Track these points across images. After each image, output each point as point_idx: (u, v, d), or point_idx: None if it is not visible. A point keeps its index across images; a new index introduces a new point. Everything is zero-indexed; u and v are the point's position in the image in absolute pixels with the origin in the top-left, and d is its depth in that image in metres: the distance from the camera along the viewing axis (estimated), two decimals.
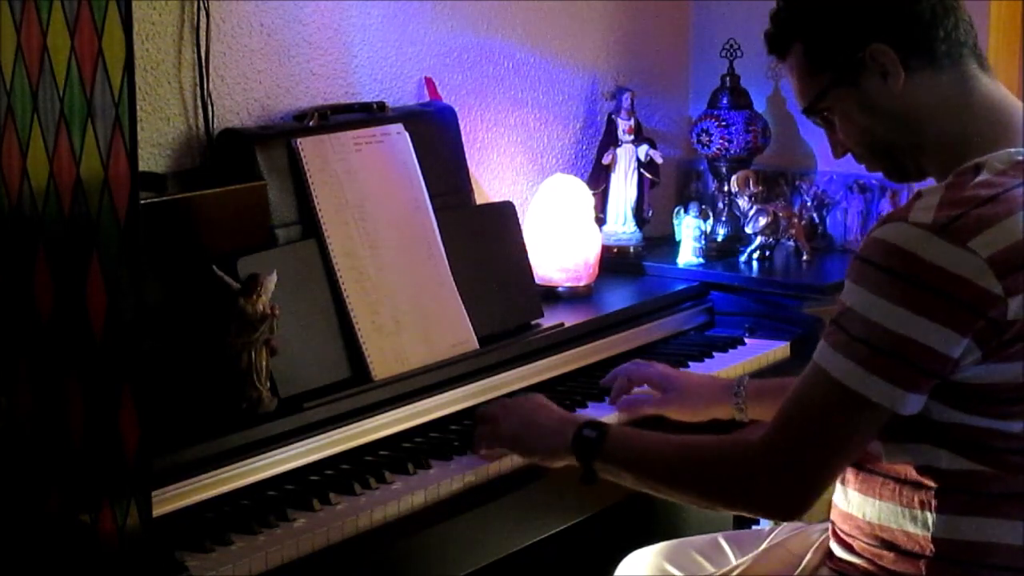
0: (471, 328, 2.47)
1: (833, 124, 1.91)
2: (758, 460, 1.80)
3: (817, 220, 3.36)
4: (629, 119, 3.16)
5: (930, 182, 1.85)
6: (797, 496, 1.80)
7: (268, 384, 2.10)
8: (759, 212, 3.16)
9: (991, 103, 1.85)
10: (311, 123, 2.46)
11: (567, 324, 2.63)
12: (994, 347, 1.71)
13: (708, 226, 3.19)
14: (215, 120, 2.46)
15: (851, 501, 1.88)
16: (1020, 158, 1.78)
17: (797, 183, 3.39)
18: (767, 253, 3.16)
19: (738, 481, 1.83)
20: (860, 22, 1.84)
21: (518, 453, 2.13)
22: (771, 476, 1.79)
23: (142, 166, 2.26)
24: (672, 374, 2.38)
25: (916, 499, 1.81)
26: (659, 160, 3.19)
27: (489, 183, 2.98)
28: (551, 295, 2.83)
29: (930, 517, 1.80)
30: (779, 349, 2.82)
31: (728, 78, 3.30)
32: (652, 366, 2.41)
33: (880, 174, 1.95)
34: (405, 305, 2.39)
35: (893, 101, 1.84)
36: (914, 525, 1.81)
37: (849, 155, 1.94)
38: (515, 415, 2.12)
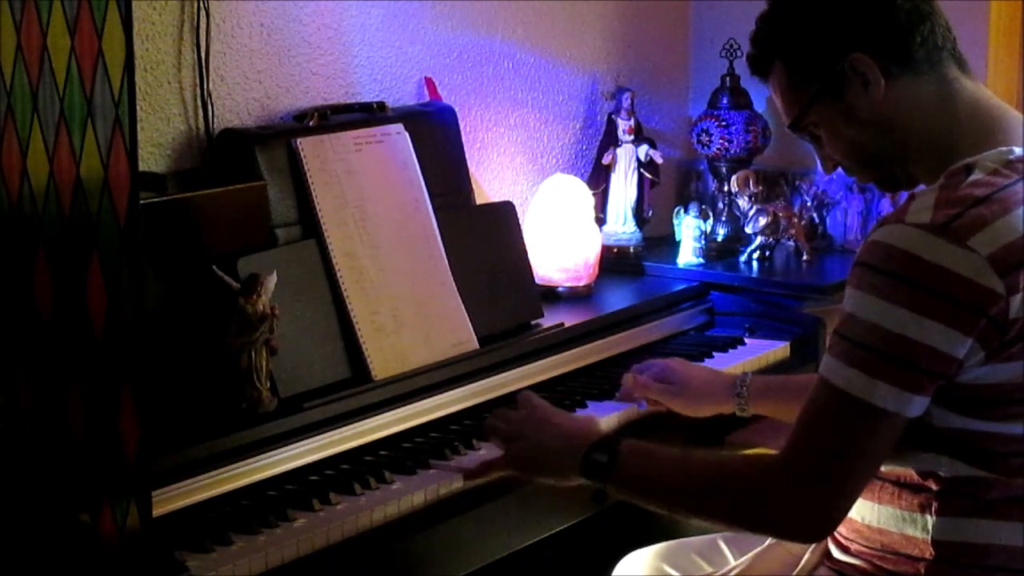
0: (471, 328, 2.47)
1: (820, 139, 1.91)
2: (777, 479, 1.77)
3: (817, 220, 3.36)
4: (629, 119, 3.16)
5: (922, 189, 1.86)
6: (820, 516, 1.77)
7: (268, 384, 2.11)
8: (759, 212, 3.16)
9: (974, 105, 1.85)
10: (311, 123, 2.46)
11: (567, 324, 2.63)
12: (996, 347, 1.71)
13: (708, 226, 3.19)
14: (215, 120, 2.46)
15: None
16: (1011, 157, 1.78)
17: (797, 183, 3.39)
18: (767, 253, 3.16)
19: (761, 504, 1.79)
20: (837, 33, 1.85)
21: (530, 478, 2.04)
22: (794, 497, 1.76)
23: (142, 166, 2.26)
24: (674, 366, 2.36)
25: (916, 503, 1.80)
26: (659, 160, 3.19)
27: (489, 183, 2.98)
28: (551, 295, 2.83)
29: (930, 520, 1.79)
30: (779, 349, 2.82)
31: (728, 78, 3.30)
32: (654, 363, 2.40)
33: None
34: (405, 305, 2.39)
35: (876, 109, 1.84)
36: (914, 528, 1.81)
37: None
38: (522, 436, 2.01)
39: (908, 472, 1.80)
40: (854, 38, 1.84)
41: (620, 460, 1.89)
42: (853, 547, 1.89)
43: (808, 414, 1.78)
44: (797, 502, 1.76)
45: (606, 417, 2.37)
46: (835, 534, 1.92)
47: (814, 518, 1.77)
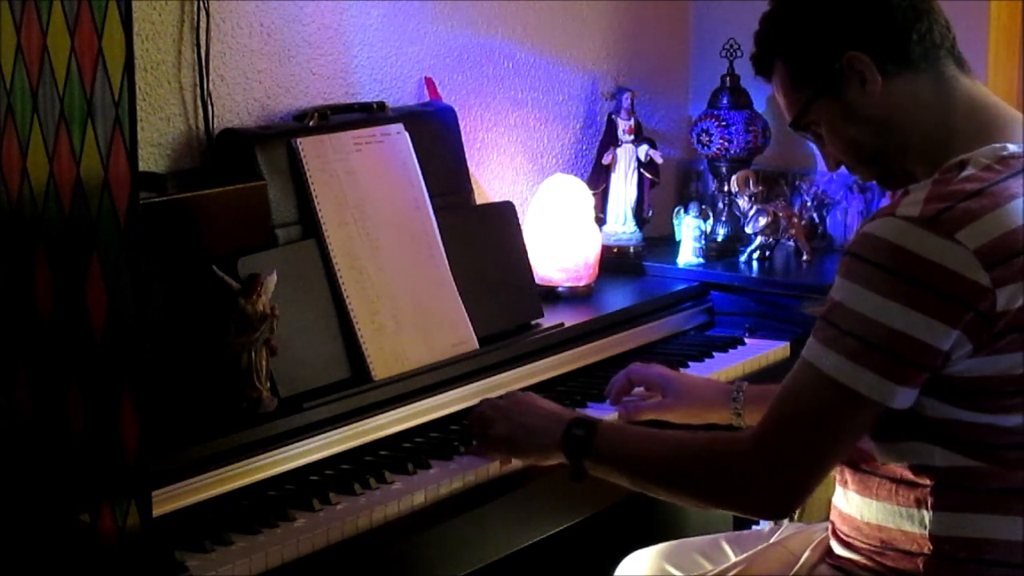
0: (471, 328, 2.47)
1: (822, 137, 1.93)
2: (749, 458, 1.80)
3: (817, 220, 3.36)
4: (629, 119, 3.16)
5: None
6: (788, 494, 1.80)
7: (268, 384, 2.11)
8: (759, 212, 3.16)
9: (971, 102, 1.86)
10: (311, 123, 2.46)
11: (567, 324, 2.63)
12: (984, 340, 1.72)
13: (708, 226, 3.19)
14: (215, 120, 2.46)
15: (851, 502, 1.89)
16: (1005, 153, 1.79)
17: (797, 183, 3.39)
18: (767, 253, 3.16)
19: (729, 480, 1.83)
20: (835, 32, 1.86)
21: (511, 455, 2.12)
22: (763, 474, 1.79)
23: (142, 166, 2.26)
24: (671, 376, 2.38)
25: (912, 498, 1.81)
26: (659, 160, 3.19)
27: (489, 183, 2.98)
28: (551, 295, 2.83)
29: (927, 515, 1.80)
30: (779, 349, 2.82)
31: (728, 78, 3.30)
32: (651, 367, 2.41)
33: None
34: (405, 305, 2.39)
35: (874, 107, 1.86)
36: (911, 524, 1.82)
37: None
38: (505, 418, 2.09)
39: (903, 467, 1.81)
40: (851, 37, 1.85)
41: (597, 434, 1.96)
42: (855, 543, 1.90)
43: (787, 396, 1.80)
44: (764, 480, 1.80)
45: (605, 417, 2.36)
46: (837, 531, 1.93)
47: (778, 497, 1.81)
